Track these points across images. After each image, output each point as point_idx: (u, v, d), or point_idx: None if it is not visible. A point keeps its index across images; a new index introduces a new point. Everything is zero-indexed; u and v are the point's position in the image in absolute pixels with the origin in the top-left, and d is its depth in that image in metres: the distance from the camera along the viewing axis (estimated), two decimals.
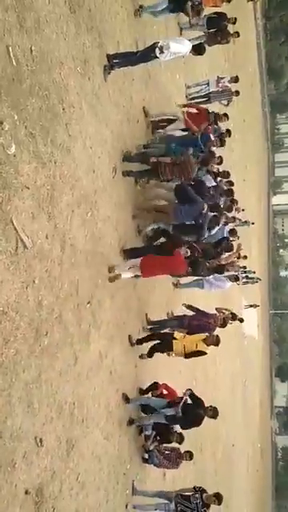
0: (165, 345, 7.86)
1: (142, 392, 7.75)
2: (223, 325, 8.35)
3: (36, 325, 4.60)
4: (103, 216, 6.50)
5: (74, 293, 5.47)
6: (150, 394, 7.61)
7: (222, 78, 11.80)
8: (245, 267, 17.68)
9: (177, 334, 7.95)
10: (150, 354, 7.95)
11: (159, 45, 6.73)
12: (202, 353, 7.82)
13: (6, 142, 4.15)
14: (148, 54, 6.88)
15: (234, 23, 10.35)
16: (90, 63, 6.14)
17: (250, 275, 19.75)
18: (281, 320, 52.23)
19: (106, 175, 6.67)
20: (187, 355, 7.84)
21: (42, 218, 4.79)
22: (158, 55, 6.78)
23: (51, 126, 5.00)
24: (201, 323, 8.20)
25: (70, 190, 5.43)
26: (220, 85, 11.48)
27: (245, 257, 16.92)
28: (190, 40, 8.08)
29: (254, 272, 22.05)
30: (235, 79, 11.91)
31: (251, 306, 25.28)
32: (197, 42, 9.20)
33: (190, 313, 8.70)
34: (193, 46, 7.54)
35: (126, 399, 7.05)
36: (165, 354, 8.13)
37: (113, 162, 6.94)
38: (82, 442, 5.51)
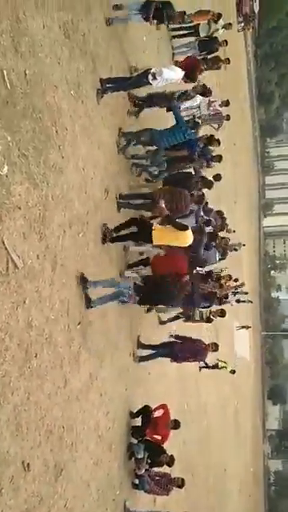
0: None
1: (133, 415, 7.64)
2: (215, 349, 8.40)
3: (25, 346, 4.56)
4: (95, 236, 6.51)
5: (64, 313, 5.44)
6: (139, 418, 7.52)
7: (213, 102, 12.02)
8: (237, 288, 17.71)
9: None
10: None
11: (152, 71, 6.87)
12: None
13: None
14: (141, 80, 7.03)
15: (226, 45, 10.65)
16: (84, 87, 6.25)
17: (241, 298, 19.78)
18: (272, 341, 52.13)
19: (97, 196, 6.71)
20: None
21: (34, 238, 4.79)
22: (150, 81, 6.93)
23: (44, 148, 5.04)
24: (192, 348, 8.23)
25: (61, 210, 5.45)
26: (211, 108, 11.68)
27: (236, 280, 17.08)
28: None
29: (247, 293, 22.07)
30: (226, 103, 12.13)
31: (243, 327, 25.22)
32: None
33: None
34: (185, 73, 7.71)
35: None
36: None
37: (105, 184, 6.99)
38: (70, 467, 5.40)
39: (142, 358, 8.25)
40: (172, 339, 8.89)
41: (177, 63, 9.59)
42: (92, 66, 6.59)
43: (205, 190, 8.77)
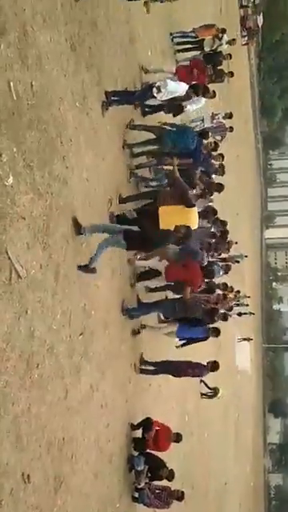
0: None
1: (134, 427, 7.59)
2: (213, 369, 8.37)
3: (27, 356, 4.54)
4: None
5: (66, 324, 5.43)
6: (146, 434, 7.44)
7: (217, 114, 12.15)
8: (238, 300, 17.71)
9: None
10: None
11: (157, 85, 6.94)
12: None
13: (3, 173, 4.21)
14: (146, 94, 7.09)
15: (230, 59, 10.77)
16: (89, 99, 6.30)
17: (242, 311, 19.78)
18: (274, 354, 51.82)
19: (101, 207, 6.73)
20: None
21: (37, 248, 4.80)
22: (155, 94, 7.00)
23: (49, 159, 5.08)
24: (193, 368, 8.24)
25: (65, 221, 5.47)
26: (214, 121, 11.81)
27: (238, 292, 17.10)
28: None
29: (247, 305, 22.05)
30: (229, 115, 12.26)
31: (245, 339, 25.15)
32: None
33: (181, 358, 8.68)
34: (190, 86, 7.78)
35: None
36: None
37: (108, 194, 7.02)
38: (70, 479, 5.35)
39: (143, 371, 8.22)
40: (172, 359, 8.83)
41: (180, 68, 9.55)
42: (97, 78, 6.66)
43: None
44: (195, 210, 7.45)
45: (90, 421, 6.02)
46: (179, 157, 8.10)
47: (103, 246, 6.10)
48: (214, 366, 8.36)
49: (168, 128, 7.93)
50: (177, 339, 8.59)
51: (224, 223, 10.71)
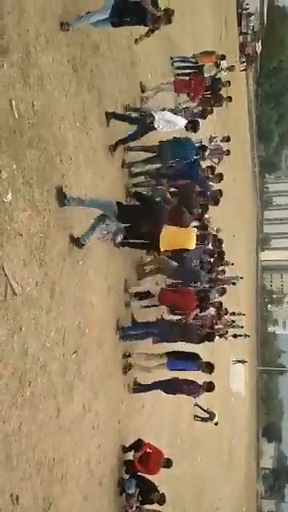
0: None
1: (125, 449, 7.47)
2: (209, 389, 8.29)
3: (20, 374, 4.50)
4: (94, 265, 6.53)
5: (60, 342, 5.39)
6: (133, 453, 7.34)
7: (215, 137, 12.31)
8: (233, 321, 17.67)
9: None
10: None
11: (156, 118, 7.12)
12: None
13: (2, 190, 4.24)
14: (144, 127, 7.25)
15: (229, 86, 10.97)
16: (89, 119, 6.40)
17: (237, 332, 19.73)
18: (268, 377, 51.48)
19: None
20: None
21: (33, 265, 4.81)
22: (155, 126, 7.17)
23: (48, 176, 5.12)
24: (189, 385, 8.16)
25: (62, 238, 5.49)
26: (212, 143, 11.94)
27: (232, 313, 17.09)
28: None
29: (242, 327, 21.99)
30: (227, 138, 12.42)
31: (239, 361, 25.00)
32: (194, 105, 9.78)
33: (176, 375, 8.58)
34: (188, 121, 7.94)
35: None
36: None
37: None
38: (59, 501, 5.23)
39: (136, 390, 8.14)
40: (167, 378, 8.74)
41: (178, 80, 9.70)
42: (98, 99, 6.77)
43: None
44: (194, 231, 7.59)
45: (81, 441, 5.93)
46: (176, 178, 8.20)
47: (96, 223, 5.97)
48: (209, 386, 8.26)
49: (168, 140, 8.07)
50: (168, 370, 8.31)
51: (220, 241, 10.87)
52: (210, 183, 9.37)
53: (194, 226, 8.62)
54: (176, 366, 8.11)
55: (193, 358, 8.07)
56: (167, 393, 8.43)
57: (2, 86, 4.32)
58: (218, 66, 10.77)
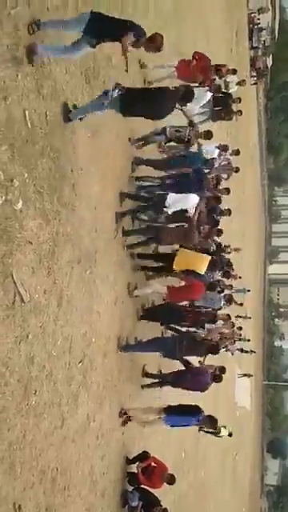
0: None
1: (129, 461, 7.40)
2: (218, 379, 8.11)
3: (25, 382, 4.50)
4: (102, 274, 6.54)
5: (66, 350, 5.39)
6: (137, 464, 7.27)
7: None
8: (240, 334, 17.54)
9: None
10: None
11: (167, 203, 7.26)
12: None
13: (13, 198, 4.27)
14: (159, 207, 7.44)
15: (239, 103, 11.02)
16: (101, 130, 6.45)
17: (244, 348, 19.60)
18: (274, 392, 50.93)
19: (107, 235, 6.79)
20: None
21: (42, 273, 4.83)
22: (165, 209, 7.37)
23: (59, 186, 5.16)
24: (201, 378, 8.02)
25: (71, 247, 5.52)
26: (221, 157, 11.96)
27: (240, 328, 16.91)
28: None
29: (249, 340, 21.86)
30: (236, 152, 12.42)
31: (245, 375, 24.79)
32: (204, 118, 9.77)
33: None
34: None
35: None
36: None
37: (115, 224, 7.09)
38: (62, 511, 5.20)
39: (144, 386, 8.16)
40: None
41: (181, 62, 8.79)
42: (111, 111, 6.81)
43: None
44: (208, 259, 7.87)
45: (85, 452, 5.89)
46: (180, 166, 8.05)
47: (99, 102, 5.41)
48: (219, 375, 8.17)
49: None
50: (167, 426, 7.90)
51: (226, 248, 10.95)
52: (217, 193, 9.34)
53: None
54: (174, 422, 7.70)
55: (194, 411, 7.63)
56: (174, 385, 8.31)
57: (16, 96, 4.37)
58: (220, 77, 10.61)
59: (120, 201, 7.32)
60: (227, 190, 9.61)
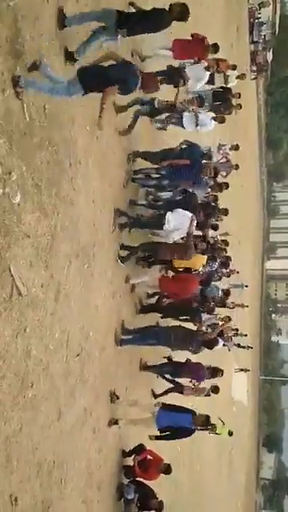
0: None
1: (125, 454, 7.45)
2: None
3: (22, 375, 4.50)
4: (100, 269, 6.54)
5: (63, 344, 5.40)
6: (133, 457, 7.31)
7: (223, 146, 12.28)
8: (237, 329, 17.58)
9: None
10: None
11: (165, 222, 7.46)
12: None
13: (11, 192, 4.26)
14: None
15: (239, 98, 10.96)
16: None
17: (241, 344, 19.66)
18: (271, 387, 51.22)
19: (105, 229, 6.79)
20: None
21: (40, 266, 4.82)
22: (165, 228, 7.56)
23: (57, 179, 5.15)
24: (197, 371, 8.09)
25: (69, 241, 5.51)
26: (221, 152, 11.92)
27: (236, 329, 16.90)
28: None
29: (246, 335, 21.90)
30: (236, 147, 12.38)
31: (242, 369, 24.88)
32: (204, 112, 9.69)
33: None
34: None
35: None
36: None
37: (113, 218, 7.08)
38: (58, 504, 5.22)
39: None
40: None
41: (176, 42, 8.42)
42: (109, 105, 6.78)
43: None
44: (204, 258, 8.36)
45: (81, 445, 5.92)
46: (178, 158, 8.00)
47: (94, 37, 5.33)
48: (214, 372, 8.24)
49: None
50: (155, 429, 7.49)
51: (226, 243, 10.98)
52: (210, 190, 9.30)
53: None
54: (166, 420, 7.37)
55: (187, 411, 7.49)
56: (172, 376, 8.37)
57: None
58: (219, 72, 10.51)
59: (119, 196, 7.33)
60: (226, 185, 9.56)
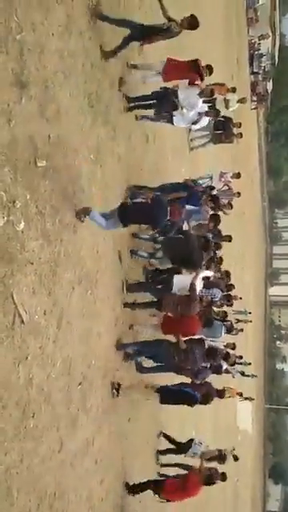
0: None
1: (129, 488, 7.25)
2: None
3: (23, 404, 4.44)
4: (102, 296, 6.53)
5: (65, 372, 5.34)
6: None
7: (225, 173, 12.46)
8: (241, 357, 17.37)
9: None
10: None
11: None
12: None
13: (15, 219, 4.30)
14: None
15: (239, 127, 11.16)
16: (103, 153, 6.53)
17: (246, 372, 19.41)
18: (276, 416, 50.20)
19: (109, 257, 6.81)
20: None
21: (43, 293, 4.82)
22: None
23: (60, 207, 5.20)
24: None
25: (72, 267, 5.52)
26: (222, 179, 12.09)
27: (240, 356, 16.67)
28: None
29: (250, 363, 21.64)
30: (237, 175, 12.57)
31: (246, 398, 24.43)
32: (205, 141, 9.86)
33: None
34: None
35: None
36: None
37: (117, 246, 7.13)
38: None
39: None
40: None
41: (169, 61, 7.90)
42: (112, 133, 6.93)
43: None
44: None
45: (83, 476, 5.78)
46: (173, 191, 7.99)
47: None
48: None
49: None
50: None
51: (228, 273, 10.90)
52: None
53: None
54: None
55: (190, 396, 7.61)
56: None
57: (20, 119, 4.44)
58: (226, 105, 10.74)
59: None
60: (230, 205, 9.61)
